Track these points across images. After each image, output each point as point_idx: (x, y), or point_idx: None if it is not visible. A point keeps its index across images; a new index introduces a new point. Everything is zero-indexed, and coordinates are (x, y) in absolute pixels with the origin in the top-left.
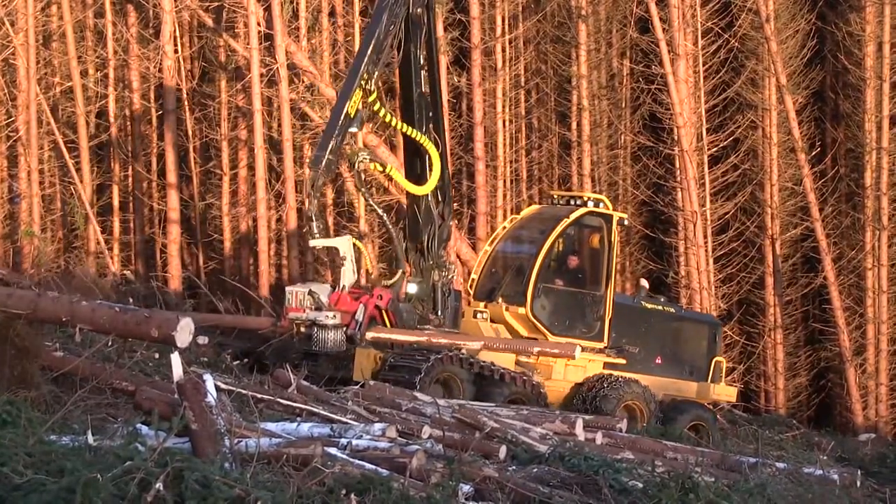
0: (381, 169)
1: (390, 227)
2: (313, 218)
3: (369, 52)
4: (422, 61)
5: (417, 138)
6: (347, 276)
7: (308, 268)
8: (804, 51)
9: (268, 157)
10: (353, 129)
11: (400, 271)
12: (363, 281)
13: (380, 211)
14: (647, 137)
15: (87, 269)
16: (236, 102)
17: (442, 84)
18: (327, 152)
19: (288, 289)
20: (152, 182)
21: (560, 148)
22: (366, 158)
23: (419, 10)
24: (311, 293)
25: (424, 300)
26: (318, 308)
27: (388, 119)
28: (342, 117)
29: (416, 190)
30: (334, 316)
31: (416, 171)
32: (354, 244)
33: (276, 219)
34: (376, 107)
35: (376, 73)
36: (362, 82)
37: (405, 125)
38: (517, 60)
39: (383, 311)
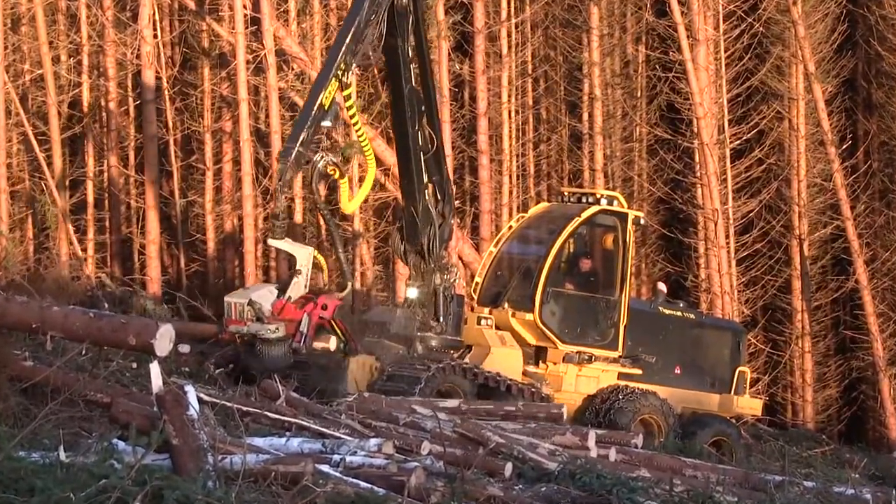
0: (336, 176)
1: (337, 239)
2: (278, 216)
3: (348, 40)
4: (410, 54)
5: (367, 154)
6: (297, 289)
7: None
8: (834, 35)
9: (254, 151)
10: (326, 123)
11: (349, 285)
12: None
13: (328, 216)
14: (664, 129)
15: (59, 272)
16: (220, 91)
17: (443, 73)
18: (297, 144)
19: (227, 299)
20: (130, 177)
21: (570, 141)
22: (330, 160)
23: (404, 0)
24: (251, 304)
25: (425, 305)
26: (260, 319)
27: (353, 120)
28: (315, 108)
29: (346, 207)
30: (276, 329)
31: (409, 170)
32: (315, 257)
33: (264, 217)
34: (349, 102)
35: (354, 64)
36: (339, 72)
37: (365, 134)
38: (524, 46)
39: (331, 322)
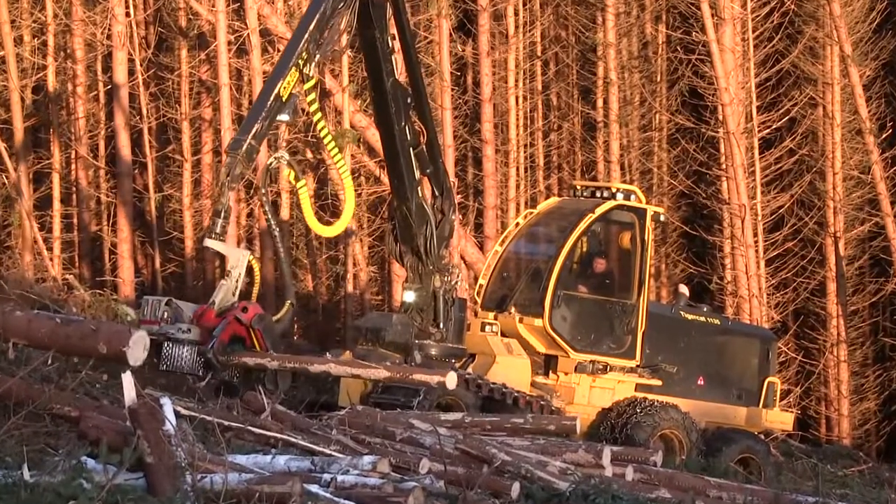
0: (292, 181)
1: (282, 249)
2: (221, 213)
3: (311, 27)
4: (390, 46)
5: (339, 168)
6: (224, 294)
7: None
8: (873, 14)
9: None
10: (283, 117)
11: (288, 303)
12: None
13: (273, 223)
14: (686, 117)
15: (23, 273)
16: (199, 75)
17: (444, 55)
18: (250, 136)
19: (145, 297)
20: (100, 170)
21: (583, 130)
22: (284, 159)
23: None
24: (168, 303)
25: (424, 310)
26: (175, 320)
27: (317, 120)
28: (271, 98)
29: (322, 231)
30: (188, 330)
31: (398, 168)
32: (250, 262)
33: (248, 213)
34: (310, 98)
35: (318, 56)
36: (300, 62)
37: (333, 144)
38: (532, 25)
39: (249, 329)
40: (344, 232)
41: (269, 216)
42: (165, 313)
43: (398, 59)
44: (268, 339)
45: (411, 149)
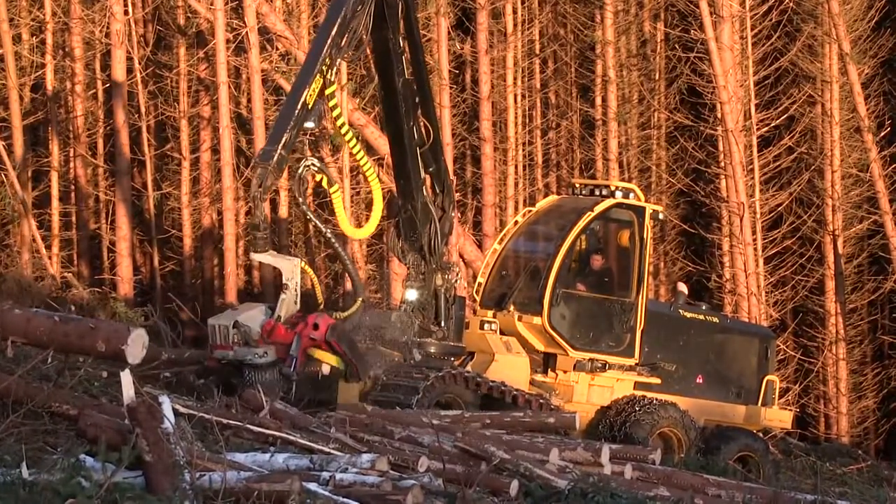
0: (325, 186)
1: (340, 251)
2: (259, 226)
3: (333, 33)
4: (401, 46)
5: (366, 171)
6: (287, 307)
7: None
8: (871, 12)
9: (235, 139)
10: (309, 124)
11: (359, 300)
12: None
13: (324, 229)
14: (684, 115)
15: (21, 272)
16: (198, 74)
17: (442, 53)
18: (280, 146)
19: (210, 322)
20: (98, 168)
21: (582, 128)
22: (314, 165)
23: None
24: (237, 326)
25: (424, 308)
26: (247, 343)
27: (341, 125)
28: (299, 107)
29: (353, 233)
30: (265, 353)
31: (405, 167)
32: (303, 269)
33: (246, 211)
34: (332, 102)
35: (339, 59)
36: (323, 67)
37: (359, 147)
38: (531, 23)
39: (327, 343)
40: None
41: (317, 223)
42: (236, 336)
43: (406, 59)
44: (344, 345)
45: (418, 147)
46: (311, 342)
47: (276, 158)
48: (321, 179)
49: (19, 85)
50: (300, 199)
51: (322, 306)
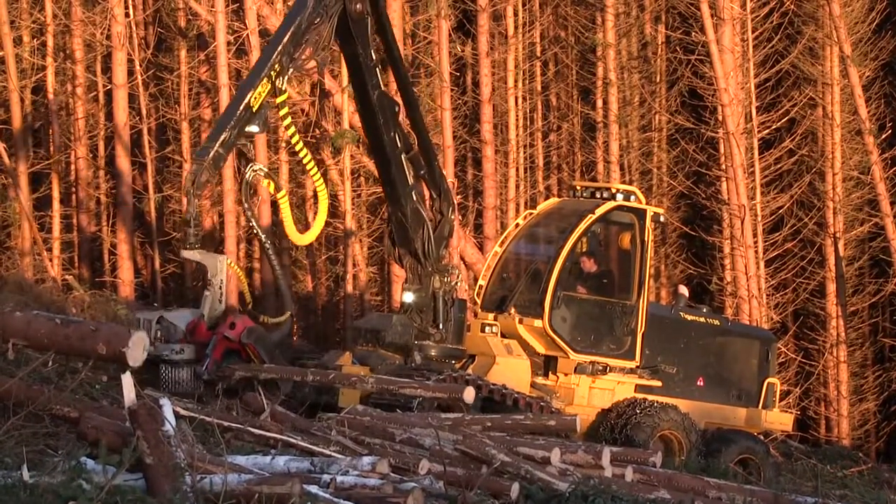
0: (272, 191)
1: (273, 260)
2: (190, 222)
3: (285, 40)
4: (374, 59)
5: (315, 179)
6: (211, 305)
7: (284, 271)
8: (872, 14)
9: None
10: (253, 129)
11: (287, 313)
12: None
13: (262, 235)
14: (685, 118)
15: (22, 274)
16: (199, 76)
17: (443, 55)
18: (217, 144)
19: (137, 316)
20: (99, 170)
21: (583, 130)
22: (261, 171)
23: (358, 5)
24: (159, 321)
25: (423, 311)
26: (168, 340)
27: (291, 134)
28: (241, 108)
29: (298, 239)
30: (181, 350)
31: (390, 176)
32: (230, 265)
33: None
34: (282, 112)
35: (291, 70)
36: (272, 73)
37: (308, 155)
38: (532, 26)
39: (241, 345)
40: (344, 232)
41: (258, 230)
42: (158, 332)
43: (381, 72)
44: (262, 349)
45: (403, 154)
46: (226, 342)
47: (211, 155)
48: (268, 185)
49: (20, 87)
50: (245, 205)
51: (250, 306)
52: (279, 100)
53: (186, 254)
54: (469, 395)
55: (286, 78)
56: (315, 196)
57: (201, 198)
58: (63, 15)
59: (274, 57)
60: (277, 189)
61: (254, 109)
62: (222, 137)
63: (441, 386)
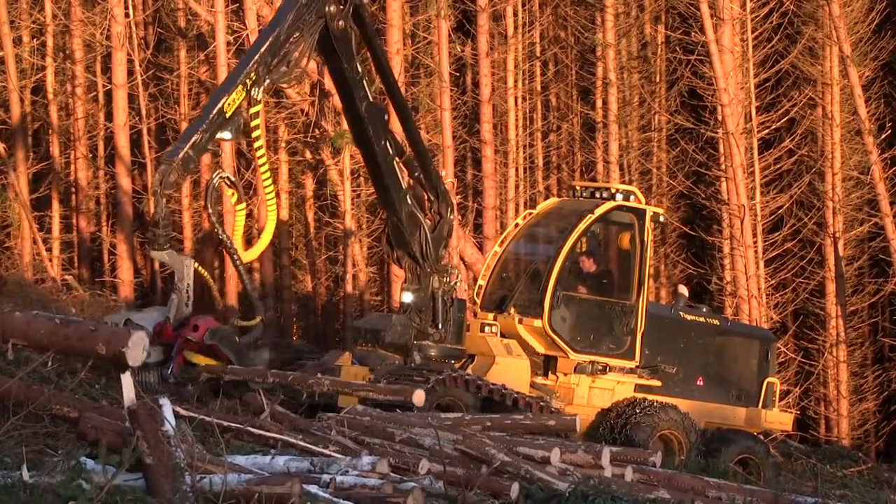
0: (233, 202)
1: (239, 265)
2: (158, 223)
3: (262, 49)
4: (360, 71)
5: (268, 196)
6: (177, 308)
7: (284, 271)
8: (872, 14)
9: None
10: (225, 135)
11: (258, 318)
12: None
13: (227, 240)
14: (685, 118)
15: (22, 274)
16: (198, 76)
17: (443, 56)
18: (188, 146)
19: (106, 318)
20: (99, 170)
21: (583, 130)
22: (227, 179)
23: (340, 23)
24: (127, 323)
25: (423, 311)
26: None
27: (258, 147)
28: (214, 112)
29: (242, 255)
30: (148, 353)
31: (383, 182)
32: (196, 269)
33: (247, 214)
34: (254, 122)
35: (267, 81)
36: (247, 81)
37: (268, 172)
38: (531, 26)
39: (205, 347)
40: (344, 232)
41: (222, 236)
42: None
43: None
44: (227, 349)
45: (396, 158)
46: (188, 344)
47: (181, 156)
48: (232, 194)
49: (20, 87)
50: (210, 210)
51: (220, 308)
52: (253, 110)
53: (155, 255)
54: (419, 398)
55: (261, 89)
56: (266, 212)
57: (170, 198)
58: (63, 15)
59: (250, 66)
60: (239, 200)
61: (227, 115)
62: (193, 139)
63: (391, 388)
